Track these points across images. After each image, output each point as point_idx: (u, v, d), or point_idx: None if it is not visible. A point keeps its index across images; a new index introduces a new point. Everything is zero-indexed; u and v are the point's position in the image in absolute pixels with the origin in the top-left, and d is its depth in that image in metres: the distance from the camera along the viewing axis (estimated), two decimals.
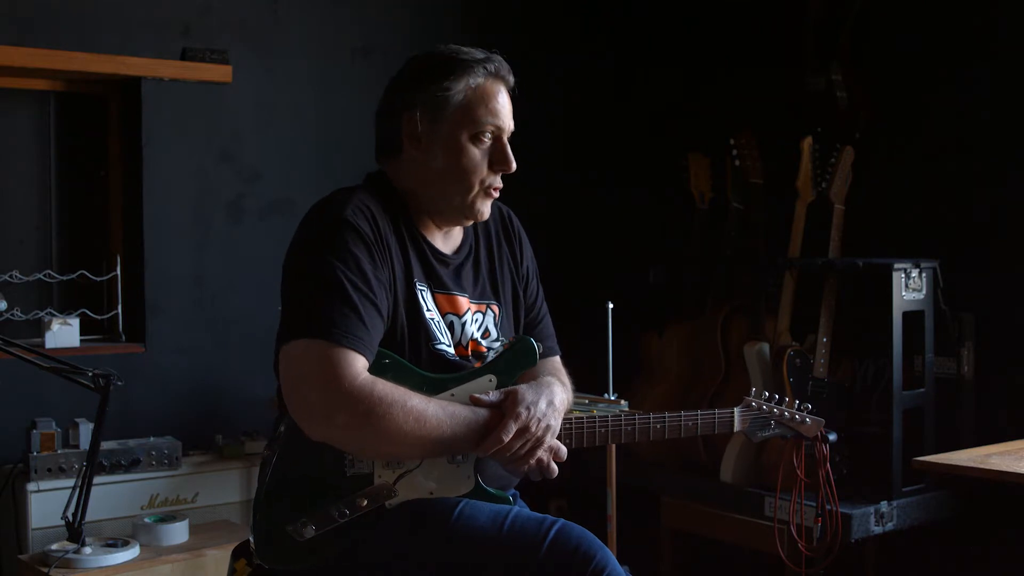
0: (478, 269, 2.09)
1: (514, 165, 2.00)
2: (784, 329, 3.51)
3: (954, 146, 3.59)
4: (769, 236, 3.66)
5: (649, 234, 4.41)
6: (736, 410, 2.23)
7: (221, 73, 3.68)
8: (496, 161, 1.98)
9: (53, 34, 3.44)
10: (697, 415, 2.15)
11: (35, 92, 3.59)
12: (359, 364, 1.79)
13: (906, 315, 3.28)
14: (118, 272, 3.59)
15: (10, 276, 3.49)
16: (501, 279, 2.13)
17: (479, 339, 2.04)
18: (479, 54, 1.99)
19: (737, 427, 2.23)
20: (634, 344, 3.88)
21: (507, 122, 2.00)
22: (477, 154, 1.97)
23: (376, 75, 4.01)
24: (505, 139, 2.00)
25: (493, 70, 1.98)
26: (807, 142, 3.55)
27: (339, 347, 1.77)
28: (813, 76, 3.76)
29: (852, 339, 3.52)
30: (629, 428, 2.08)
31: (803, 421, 2.33)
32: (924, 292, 3.32)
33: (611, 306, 3.17)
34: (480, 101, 1.96)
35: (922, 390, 3.34)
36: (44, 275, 3.56)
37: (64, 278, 3.60)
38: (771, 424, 2.29)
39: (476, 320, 2.05)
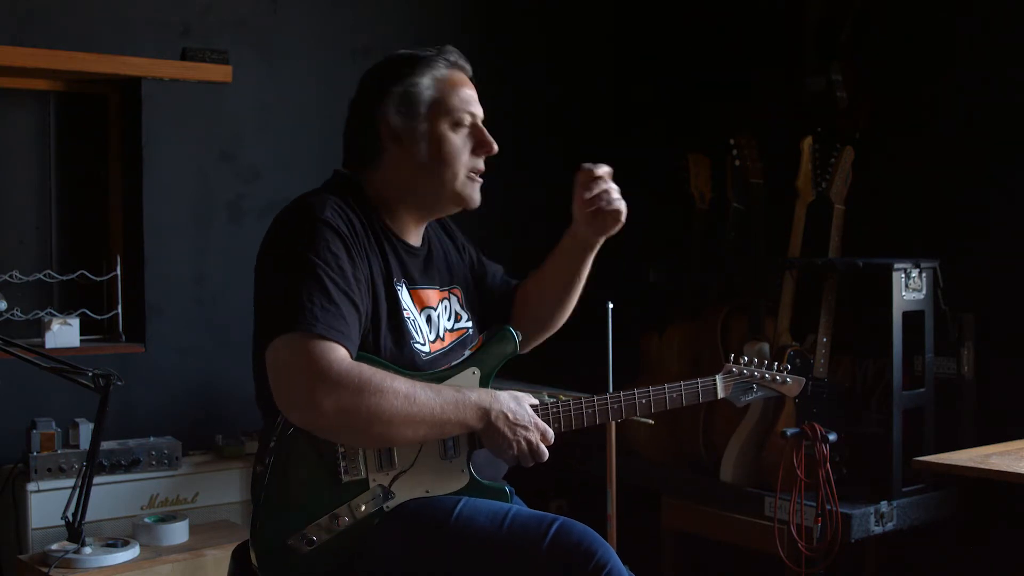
0: (439, 259, 2.15)
1: (496, 147, 2.06)
2: (784, 329, 3.51)
3: (954, 146, 3.59)
4: (769, 236, 3.66)
5: (649, 234, 4.40)
6: (718, 377, 2.23)
7: (221, 73, 3.68)
8: (478, 145, 2.05)
9: (53, 34, 3.44)
10: (680, 386, 2.16)
11: (35, 92, 3.59)
12: (341, 352, 1.81)
13: (906, 315, 3.28)
14: (118, 272, 3.59)
15: (10, 276, 3.49)
16: (454, 264, 2.20)
17: (453, 325, 2.10)
18: (433, 50, 2.06)
19: (720, 394, 2.23)
20: (634, 344, 3.88)
21: (478, 108, 2.06)
22: (458, 141, 2.02)
23: None
24: (481, 124, 2.06)
25: (453, 61, 2.06)
26: (807, 142, 3.55)
27: (322, 339, 1.79)
28: (813, 76, 3.76)
29: (852, 339, 3.52)
30: (615, 406, 2.09)
31: (784, 381, 2.31)
32: (924, 292, 3.32)
33: (611, 306, 3.17)
34: (450, 90, 2.03)
35: (922, 390, 3.34)
36: (44, 275, 3.56)
37: (64, 278, 3.60)
38: (753, 388, 2.28)
39: (445, 307, 2.10)
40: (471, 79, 2.09)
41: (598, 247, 2.20)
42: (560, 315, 2.30)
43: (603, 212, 2.10)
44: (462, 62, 2.08)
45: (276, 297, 1.87)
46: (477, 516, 1.87)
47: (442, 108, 2.01)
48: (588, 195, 2.09)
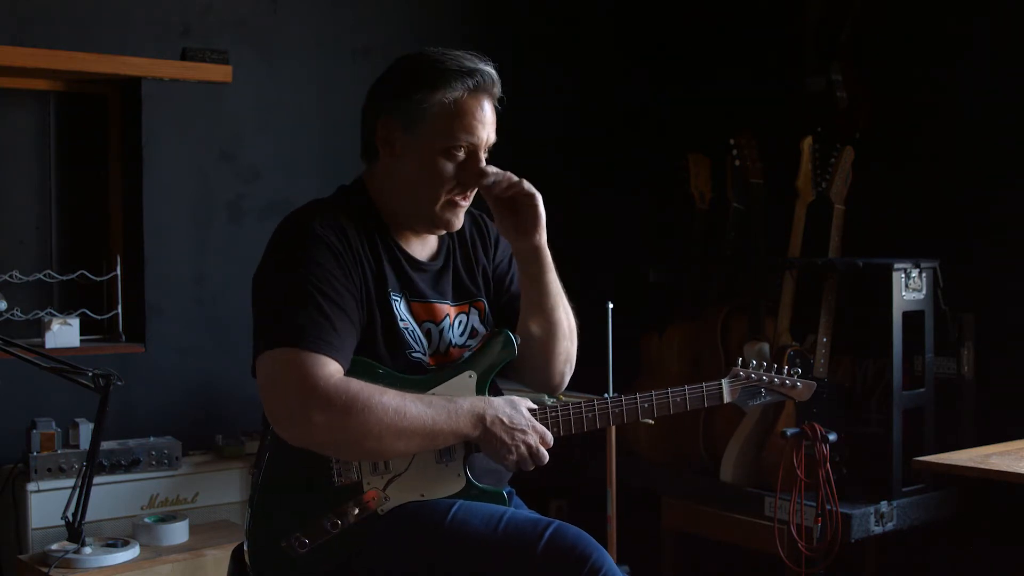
0: (457, 273, 2.08)
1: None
2: (784, 329, 3.51)
3: (953, 146, 3.59)
4: (769, 236, 3.66)
5: (649, 234, 4.41)
6: (724, 381, 2.16)
7: (221, 73, 3.67)
8: (466, 176, 1.96)
9: (53, 34, 3.43)
10: (684, 390, 2.10)
11: (35, 92, 3.59)
12: (332, 367, 1.80)
13: (906, 315, 3.28)
14: (118, 272, 3.59)
15: (10, 276, 3.49)
16: (480, 279, 2.12)
17: (465, 342, 2.04)
18: (467, 63, 1.95)
19: (727, 398, 2.15)
20: (634, 344, 3.88)
21: (483, 137, 1.96)
22: (447, 168, 1.94)
23: (376, 75, 4.00)
24: (480, 153, 1.97)
25: (473, 85, 1.93)
26: (807, 142, 3.55)
27: (311, 352, 1.78)
28: (813, 76, 3.76)
29: (852, 339, 3.52)
30: (617, 410, 2.04)
31: (794, 386, 2.22)
32: (924, 292, 3.32)
33: (611, 306, 3.17)
34: (456, 116, 1.92)
35: (922, 390, 3.34)
36: (44, 275, 3.56)
37: (64, 278, 3.60)
38: (761, 392, 2.20)
39: (460, 322, 2.05)
40: (495, 101, 1.98)
41: (544, 259, 2.06)
42: (550, 344, 2.12)
43: (518, 200, 1.99)
44: (486, 85, 1.94)
45: (267, 310, 1.87)
46: (472, 519, 1.86)
47: (441, 132, 1.92)
48: (491, 190, 1.98)
